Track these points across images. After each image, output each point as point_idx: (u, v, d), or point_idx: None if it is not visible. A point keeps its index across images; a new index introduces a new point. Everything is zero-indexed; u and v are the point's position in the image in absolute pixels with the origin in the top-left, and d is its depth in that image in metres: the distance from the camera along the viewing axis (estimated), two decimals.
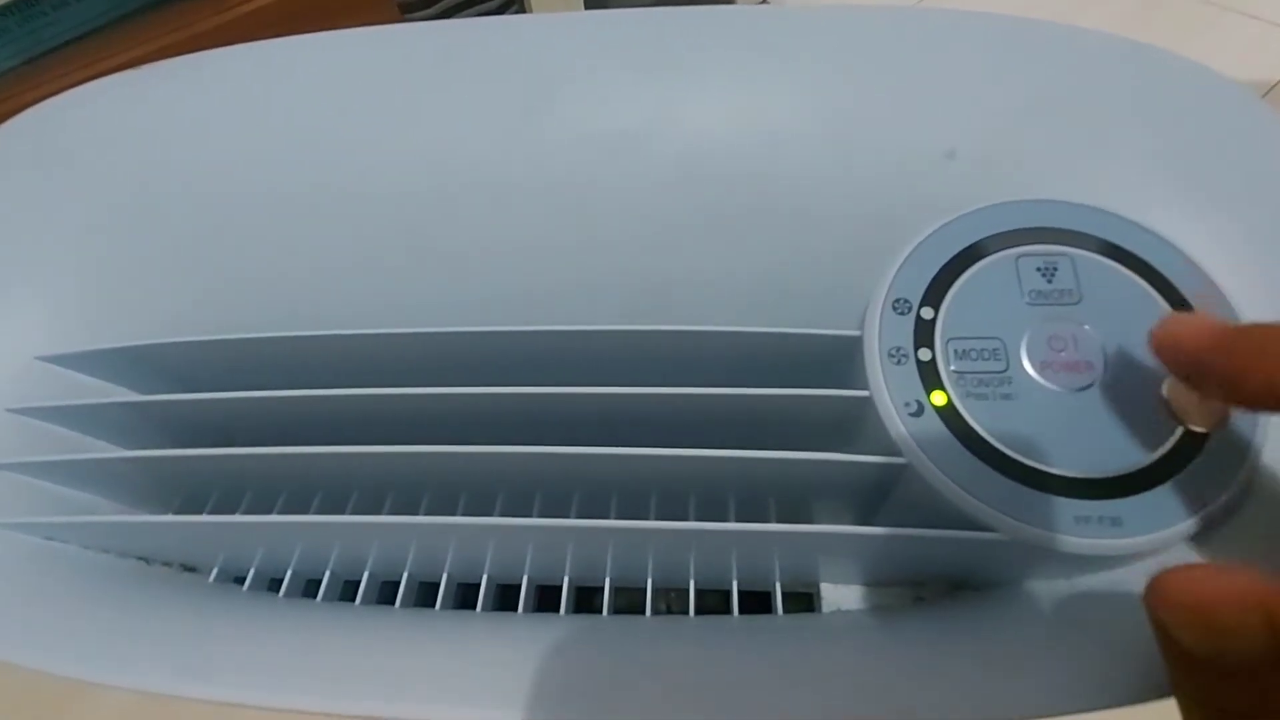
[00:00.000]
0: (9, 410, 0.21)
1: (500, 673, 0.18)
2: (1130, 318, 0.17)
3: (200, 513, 0.22)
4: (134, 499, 0.23)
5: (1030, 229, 0.19)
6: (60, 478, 0.21)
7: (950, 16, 0.22)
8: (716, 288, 0.22)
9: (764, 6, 0.23)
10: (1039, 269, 0.18)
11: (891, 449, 0.17)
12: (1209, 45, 1.04)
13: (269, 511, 0.22)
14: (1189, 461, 0.16)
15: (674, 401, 0.18)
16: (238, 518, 0.20)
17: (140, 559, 0.21)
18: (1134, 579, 0.17)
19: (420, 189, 0.23)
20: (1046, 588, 0.17)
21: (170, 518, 0.20)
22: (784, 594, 0.19)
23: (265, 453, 0.19)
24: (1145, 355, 0.17)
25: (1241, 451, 0.16)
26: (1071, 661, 0.16)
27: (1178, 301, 0.18)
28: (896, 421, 0.17)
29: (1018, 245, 0.19)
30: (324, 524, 0.19)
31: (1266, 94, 0.95)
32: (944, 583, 0.19)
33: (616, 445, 0.18)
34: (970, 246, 0.19)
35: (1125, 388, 0.17)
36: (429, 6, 0.72)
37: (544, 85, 0.23)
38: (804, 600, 0.20)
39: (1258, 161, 0.19)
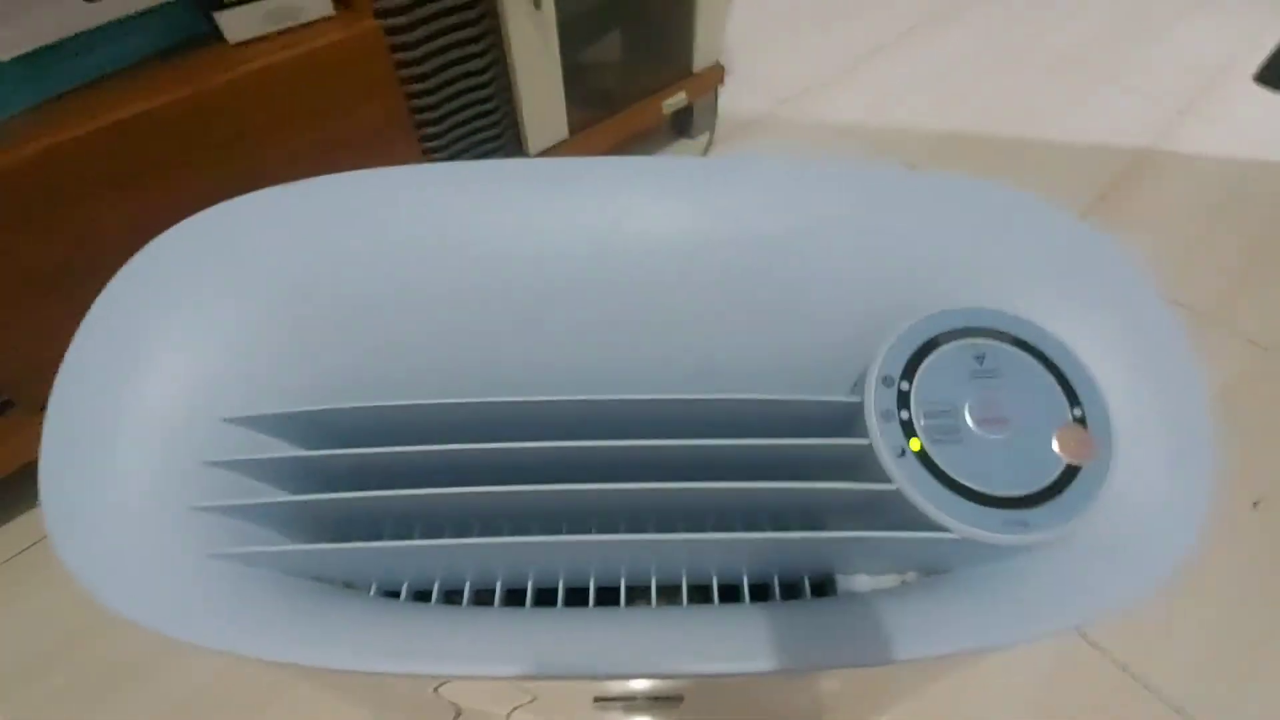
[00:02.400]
0: (206, 463, 0.26)
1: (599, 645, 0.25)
2: (1031, 387, 0.27)
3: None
4: (298, 532, 0.28)
5: (968, 327, 0.28)
6: (251, 516, 0.27)
7: (914, 176, 0.31)
8: (747, 361, 0.30)
9: (782, 156, 0.31)
10: (974, 355, 0.27)
11: (885, 479, 0.26)
12: (1089, 113, 1.22)
13: (403, 539, 0.28)
14: (1069, 485, 0.25)
15: (727, 451, 0.26)
16: (406, 543, 0.26)
17: (315, 579, 0.27)
18: (1036, 563, 0.26)
19: (526, 284, 0.30)
20: (985, 569, 0.26)
21: (360, 545, 0.26)
22: (809, 584, 0.28)
23: (411, 494, 0.26)
24: (1041, 414, 0.26)
25: (1100, 478, 0.25)
26: (998, 612, 0.25)
27: (1059, 375, 0.27)
28: (889, 461, 0.25)
29: (960, 339, 0.28)
30: (482, 546, 0.25)
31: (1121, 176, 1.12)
32: (921, 570, 0.27)
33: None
34: (930, 339, 0.28)
35: (1030, 436, 0.26)
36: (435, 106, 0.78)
37: (616, 208, 0.30)
38: (823, 588, 0.28)
39: (1100, 276, 0.29)
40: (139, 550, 0.25)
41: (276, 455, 0.27)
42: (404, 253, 0.30)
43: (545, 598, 0.29)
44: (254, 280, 0.29)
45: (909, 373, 0.27)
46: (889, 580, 0.28)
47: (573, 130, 0.98)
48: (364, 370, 0.30)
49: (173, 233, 0.29)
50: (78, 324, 0.28)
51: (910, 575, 0.28)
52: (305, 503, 0.27)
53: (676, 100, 1.07)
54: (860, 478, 0.27)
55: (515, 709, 0.32)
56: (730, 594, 0.29)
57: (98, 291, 0.29)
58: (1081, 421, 0.26)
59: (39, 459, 0.26)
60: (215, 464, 0.26)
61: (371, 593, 0.28)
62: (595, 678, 0.25)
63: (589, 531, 0.29)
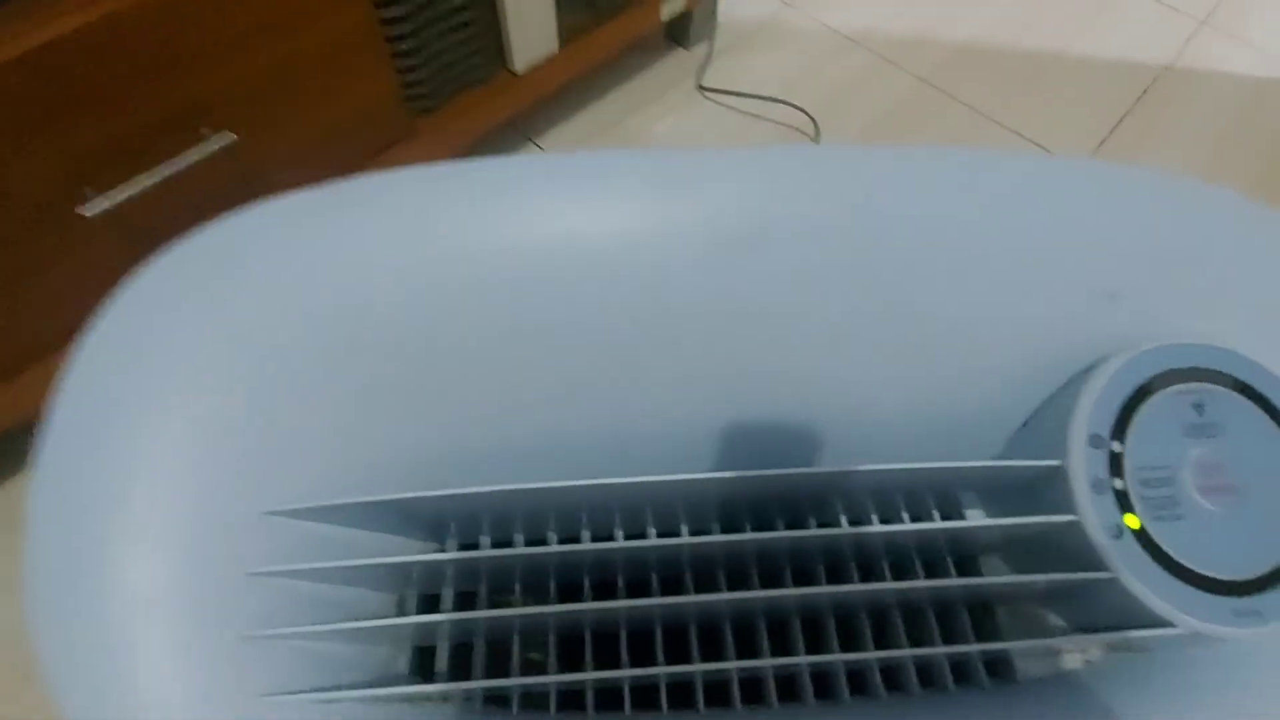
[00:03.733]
0: (250, 574, 0.20)
1: None
2: (1258, 443, 0.22)
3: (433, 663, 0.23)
4: (372, 641, 0.23)
5: (1183, 369, 0.23)
6: (324, 639, 0.21)
7: (1098, 168, 0.25)
8: (878, 403, 0.25)
9: (946, 147, 0.25)
10: (1193, 405, 0.23)
11: (1093, 564, 0.21)
12: (1110, 25, 1.14)
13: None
14: None
15: (908, 535, 0.22)
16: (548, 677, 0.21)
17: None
18: (1248, 646, 0.23)
19: (620, 306, 0.24)
20: (1190, 653, 0.23)
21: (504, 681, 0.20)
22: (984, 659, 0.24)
23: (540, 610, 0.20)
24: (1271, 477, 0.22)
25: None
26: (1222, 710, 0.21)
27: None
28: (1105, 542, 0.21)
29: (1174, 384, 0.23)
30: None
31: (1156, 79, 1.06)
32: (1110, 647, 0.24)
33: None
34: (1142, 385, 0.23)
35: (1258, 504, 0.22)
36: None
37: (752, 223, 0.24)
38: (998, 665, 0.24)
39: None
40: (174, 699, 0.19)
41: (346, 564, 0.21)
42: (468, 277, 0.23)
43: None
44: (273, 321, 0.22)
45: (1120, 429, 0.22)
46: (1072, 658, 0.24)
47: (563, 42, 0.85)
48: (423, 434, 0.23)
49: (164, 263, 0.22)
50: None
51: (1094, 651, 0.25)
52: (404, 626, 0.21)
53: (675, 3, 0.94)
54: (1052, 558, 0.22)
55: None
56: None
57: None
58: None
59: (24, 578, 0.19)
60: (266, 574, 0.20)
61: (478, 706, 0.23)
62: None
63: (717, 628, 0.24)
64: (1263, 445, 0.22)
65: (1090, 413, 0.22)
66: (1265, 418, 0.23)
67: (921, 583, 0.21)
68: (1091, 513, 0.22)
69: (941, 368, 0.25)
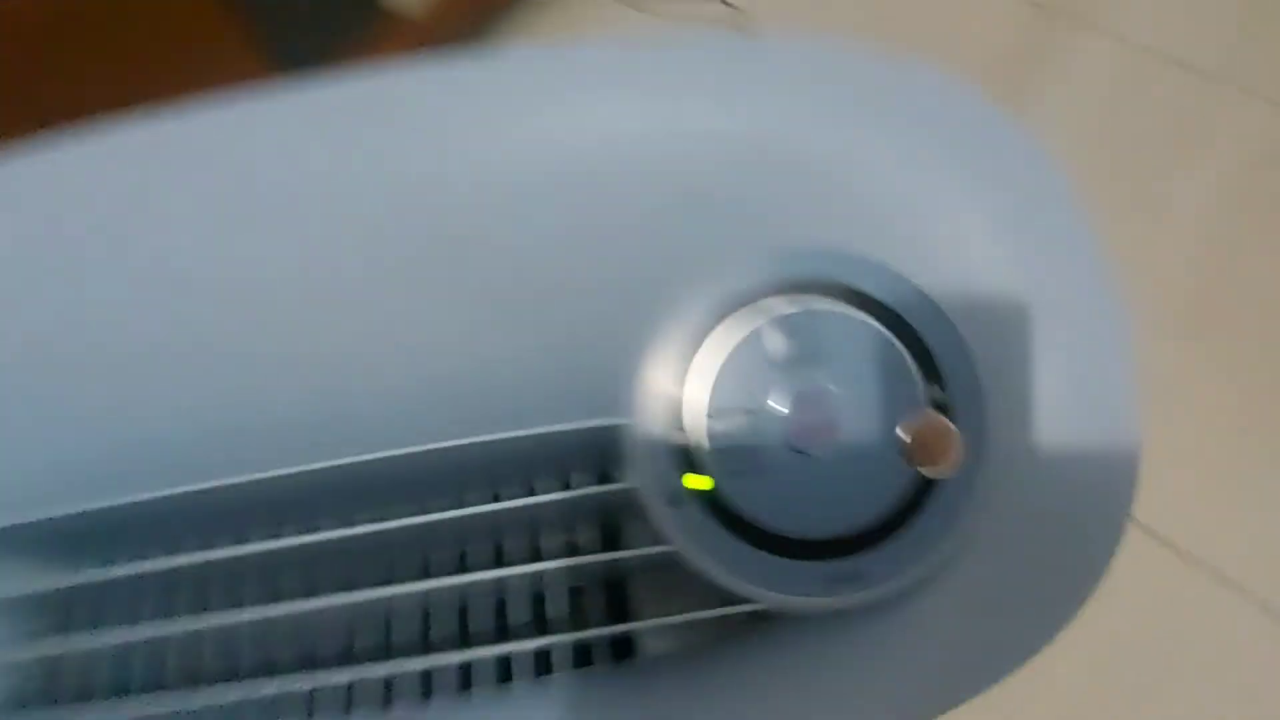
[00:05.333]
0: None
1: None
2: (870, 369, 0.18)
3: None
4: None
5: (773, 283, 0.18)
6: None
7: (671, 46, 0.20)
8: (489, 376, 0.21)
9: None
10: (782, 330, 0.18)
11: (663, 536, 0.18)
12: None
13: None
14: (919, 510, 0.17)
15: (461, 521, 0.19)
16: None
17: None
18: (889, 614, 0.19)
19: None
20: (817, 623, 0.19)
21: None
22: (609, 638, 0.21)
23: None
24: (882, 406, 0.18)
25: (964, 499, 0.17)
26: (835, 678, 0.18)
27: (914, 342, 0.18)
28: (661, 511, 0.18)
29: (762, 303, 0.18)
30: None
31: None
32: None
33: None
34: (719, 313, 0.18)
35: (863, 444, 0.18)
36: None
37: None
38: (625, 643, 0.22)
39: (1001, 176, 0.19)
40: None
41: None
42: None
43: None
44: None
45: (689, 372, 0.18)
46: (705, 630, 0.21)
47: None
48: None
49: None
50: None
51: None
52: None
53: None
54: (644, 524, 0.19)
55: None
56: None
57: None
58: (943, 408, 0.18)
59: None
60: None
61: None
62: None
63: None
64: (876, 370, 0.18)
65: (650, 356, 0.18)
66: (883, 330, 0.18)
67: (482, 574, 0.18)
68: (648, 475, 0.18)
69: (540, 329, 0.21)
